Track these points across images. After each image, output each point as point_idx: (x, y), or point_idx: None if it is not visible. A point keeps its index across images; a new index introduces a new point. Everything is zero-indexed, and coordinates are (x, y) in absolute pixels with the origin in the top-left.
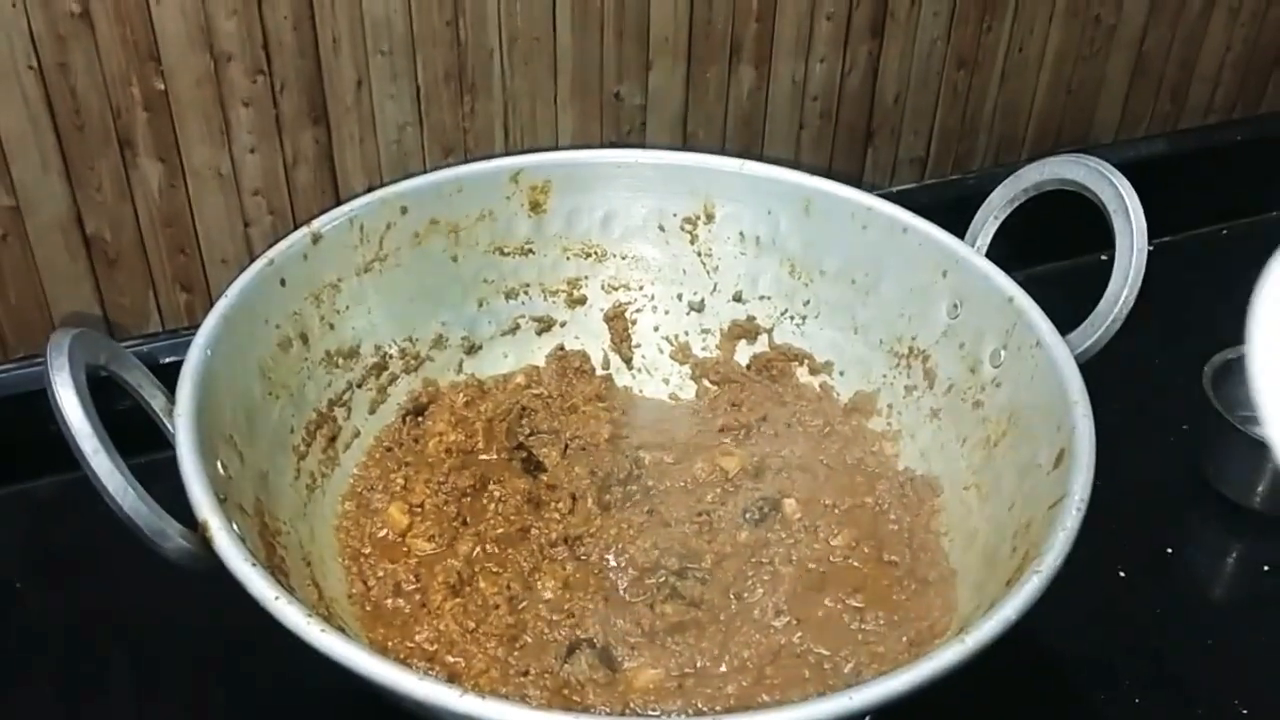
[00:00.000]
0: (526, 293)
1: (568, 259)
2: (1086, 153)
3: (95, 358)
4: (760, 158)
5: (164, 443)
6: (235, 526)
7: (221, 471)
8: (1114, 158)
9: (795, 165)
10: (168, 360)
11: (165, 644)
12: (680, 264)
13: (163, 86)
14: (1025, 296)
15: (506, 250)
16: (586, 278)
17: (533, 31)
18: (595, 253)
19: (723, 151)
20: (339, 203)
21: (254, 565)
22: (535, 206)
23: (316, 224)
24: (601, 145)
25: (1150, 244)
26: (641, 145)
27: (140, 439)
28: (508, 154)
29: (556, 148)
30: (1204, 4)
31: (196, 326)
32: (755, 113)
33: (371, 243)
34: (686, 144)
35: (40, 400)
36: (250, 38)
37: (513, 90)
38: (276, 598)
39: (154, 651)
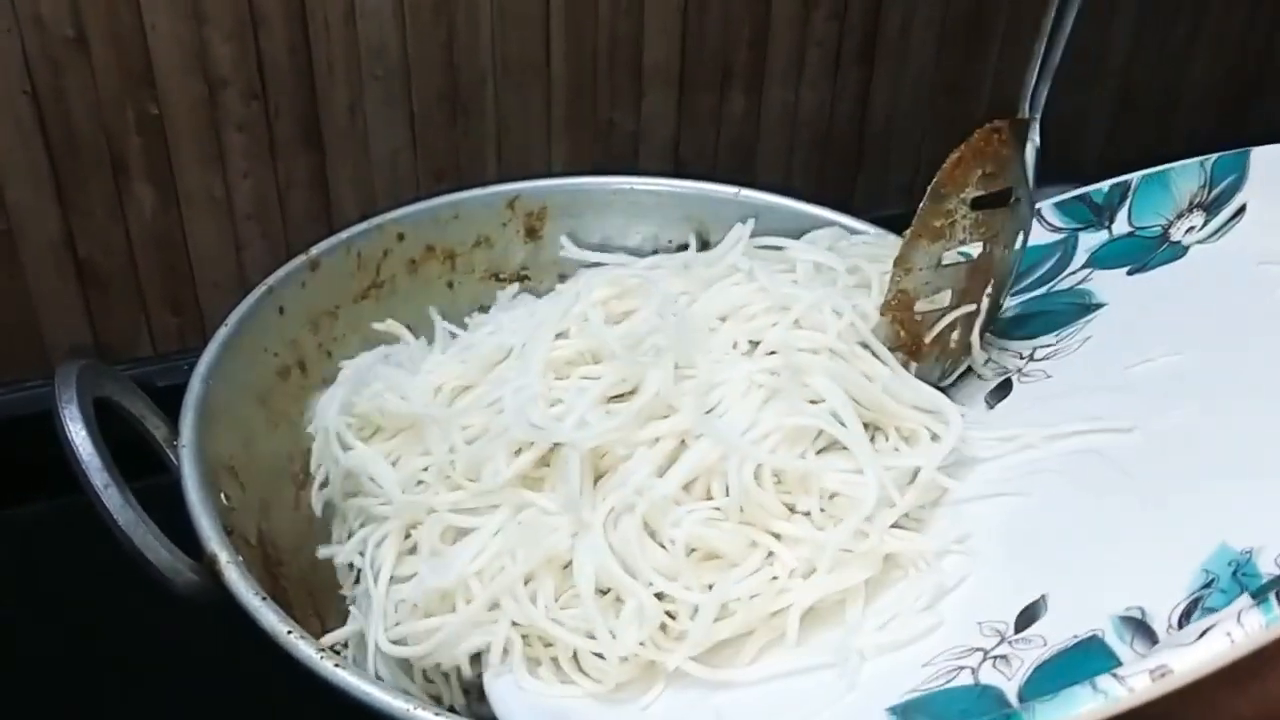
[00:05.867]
0: None
1: (563, 284)
2: (1072, 179)
3: (101, 390)
4: (752, 183)
5: (154, 468)
6: (241, 559)
7: (225, 502)
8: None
9: (786, 190)
10: (159, 384)
11: (159, 669)
12: None
13: (157, 111)
14: None
15: (502, 276)
16: None
17: (526, 57)
18: None
19: (714, 176)
20: (331, 226)
21: (265, 600)
22: (531, 233)
23: (315, 251)
24: (593, 170)
25: None
26: (633, 171)
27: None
28: (500, 178)
29: (549, 172)
30: (1187, 34)
31: (188, 350)
32: (746, 139)
33: (368, 269)
34: (678, 169)
35: (30, 424)
36: (245, 62)
37: (505, 115)
38: (289, 632)
39: (147, 676)
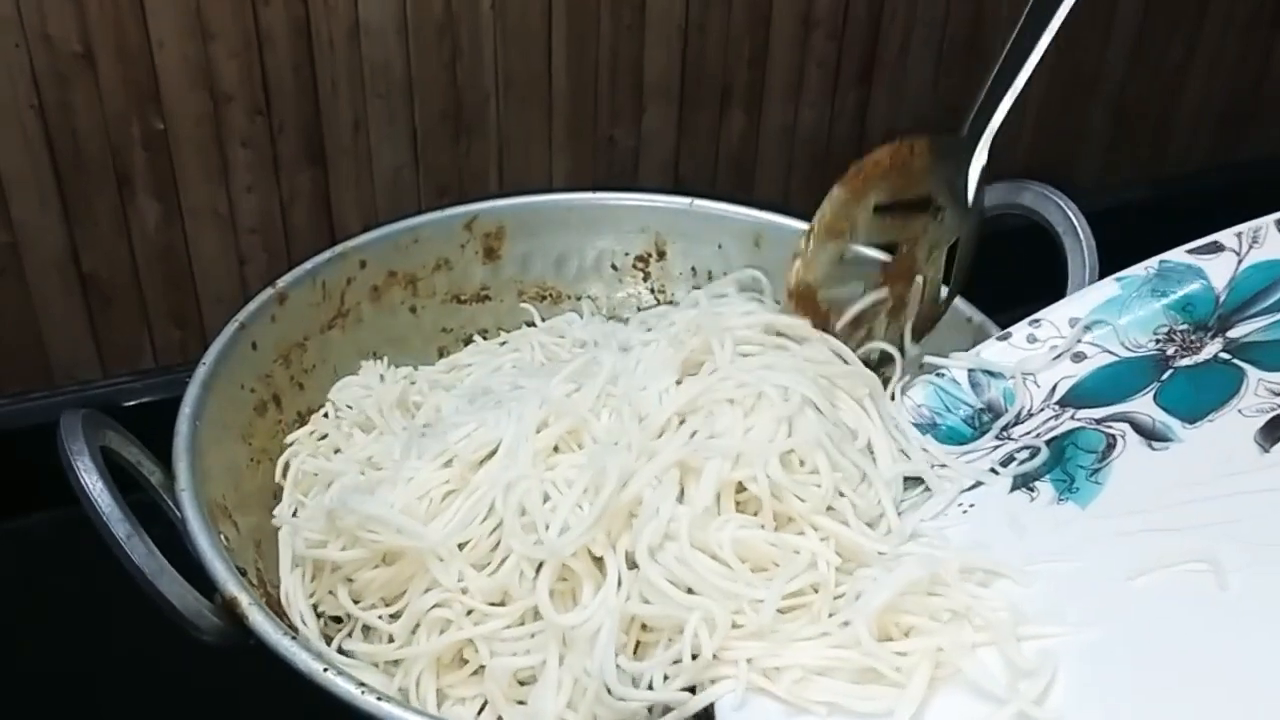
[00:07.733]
0: (485, 338)
1: (523, 302)
2: (1069, 198)
3: (102, 438)
4: (750, 200)
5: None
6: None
7: (225, 543)
8: (1096, 204)
9: (785, 207)
10: (160, 397)
11: (159, 679)
12: (635, 301)
13: (162, 126)
14: (982, 316)
15: (464, 298)
16: (544, 320)
17: (529, 75)
18: (550, 295)
19: (713, 193)
20: (334, 242)
21: (293, 639)
22: (490, 253)
23: (281, 284)
24: (594, 187)
25: None
26: (633, 186)
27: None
28: (502, 195)
29: (550, 189)
30: (1183, 55)
31: (190, 363)
32: (745, 156)
33: (333, 299)
34: (677, 186)
35: (33, 435)
36: (250, 79)
37: (508, 132)
38: (325, 669)
39: (146, 686)
